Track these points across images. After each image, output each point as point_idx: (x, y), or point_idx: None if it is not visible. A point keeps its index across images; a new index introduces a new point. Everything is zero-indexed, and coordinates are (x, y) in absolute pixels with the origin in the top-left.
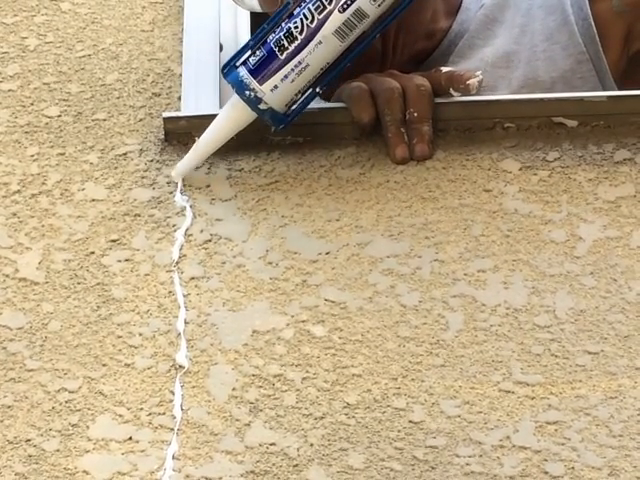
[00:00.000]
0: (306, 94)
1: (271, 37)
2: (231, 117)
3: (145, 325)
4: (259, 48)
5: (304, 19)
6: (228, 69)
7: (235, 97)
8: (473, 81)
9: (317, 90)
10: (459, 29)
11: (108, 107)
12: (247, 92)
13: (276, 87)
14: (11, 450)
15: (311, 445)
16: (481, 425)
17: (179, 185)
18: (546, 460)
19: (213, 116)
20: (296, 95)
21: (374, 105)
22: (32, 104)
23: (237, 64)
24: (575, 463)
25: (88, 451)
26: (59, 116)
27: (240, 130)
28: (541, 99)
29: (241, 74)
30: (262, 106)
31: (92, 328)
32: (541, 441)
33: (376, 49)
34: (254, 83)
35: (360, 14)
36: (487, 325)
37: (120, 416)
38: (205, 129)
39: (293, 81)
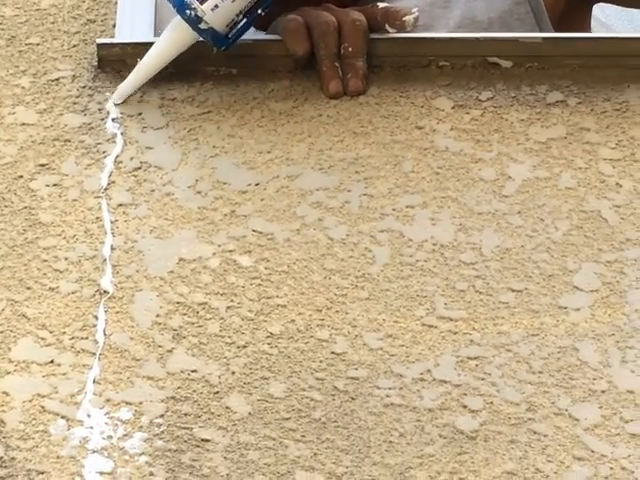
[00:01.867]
0: (248, 16)
1: None
2: (172, 38)
3: (71, 250)
4: None
5: None
6: None
7: (177, 18)
8: (409, 18)
9: (259, 12)
10: None
11: (42, 32)
12: (188, 11)
13: (217, 6)
14: None
15: (232, 373)
16: (403, 358)
17: (110, 112)
18: (465, 394)
19: (147, 44)
20: (237, 16)
21: (309, 39)
22: None
23: None
24: (494, 398)
25: (9, 372)
26: None
27: (181, 52)
28: (476, 39)
29: None
30: (202, 25)
31: (17, 251)
32: (461, 375)
33: None
34: (195, 2)
35: None
36: (413, 260)
37: (42, 339)
38: (139, 56)
39: (234, 1)
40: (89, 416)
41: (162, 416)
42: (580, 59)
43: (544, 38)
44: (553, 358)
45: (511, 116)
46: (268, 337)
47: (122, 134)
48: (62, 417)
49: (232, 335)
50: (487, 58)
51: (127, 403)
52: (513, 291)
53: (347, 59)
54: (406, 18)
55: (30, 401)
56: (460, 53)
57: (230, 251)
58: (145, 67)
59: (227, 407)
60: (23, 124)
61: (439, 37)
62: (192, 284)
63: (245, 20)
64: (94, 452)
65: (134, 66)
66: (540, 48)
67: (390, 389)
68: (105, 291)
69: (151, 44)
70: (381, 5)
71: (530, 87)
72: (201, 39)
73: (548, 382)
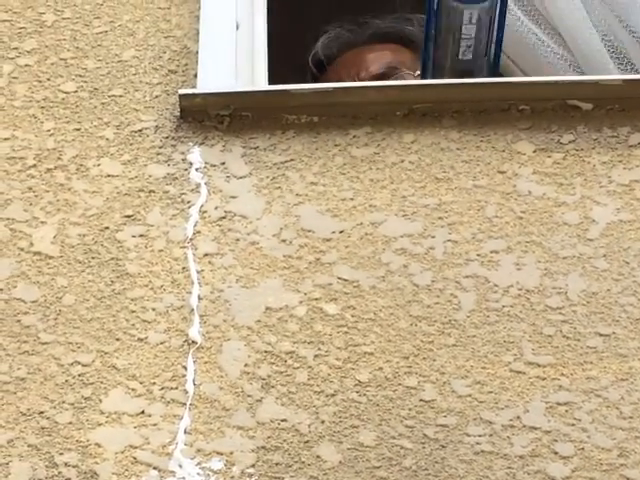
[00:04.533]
0: None
1: None
2: None
3: (159, 300)
4: None
5: None
6: None
7: None
8: None
9: None
10: None
11: (124, 83)
12: None
13: None
14: (24, 422)
15: (322, 422)
16: (492, 405)
17: (194, 162)
18: (556, 440)
19: (229, 94)
20: None
21: None
22: (49, 79)
23: None
24: (585, 444)
25: (101, 424)
26: (75, 92)
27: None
28: (555, 81)
29: None
30: None
31: (106, 302)
32: (551, 421)
33: None
34: None
35: None
36: (499, 306)
37: (133, 390)
38: (221, 107)
39: None
40: (181, 467)
41: (253, 466)
42: None
43: (624, 80)
44: None
45: (593, 159)
46: (356, 385)
47: (206, 184)
48: (154, 468)
49: (320, 384)
50: (567, 101)
51: (218, 453)
52: (601, 335)
53: None
54: None
55: (122, 452)
56: (540, 96)
57: (316, 299)
58: None
59: (318, 456)
60: (108, 175)
61: (518, 81)
62: (279, 333)
63: None
64: None
65: (216, 116)
66: (621, 90)
67: (480, 436)
68: (193, 341)
69: (233, 94)
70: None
71: (612, 129)
72: None
73: (639, 427)
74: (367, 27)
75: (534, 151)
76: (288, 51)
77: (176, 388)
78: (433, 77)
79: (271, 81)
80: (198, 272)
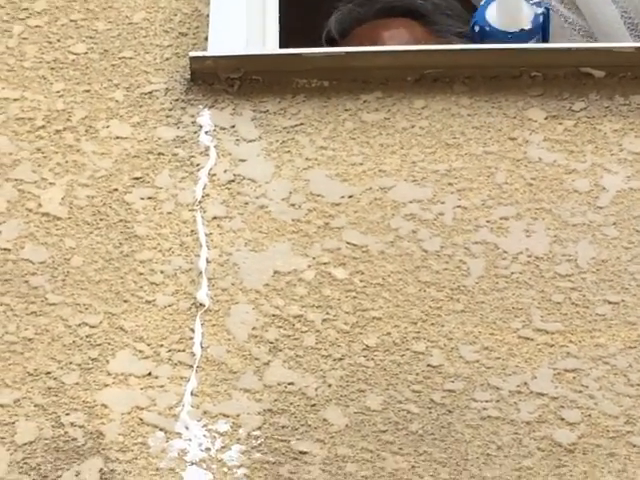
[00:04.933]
0: None
1: None
2: None
3: (167, 263)
4: None
5: None
6: None
7: None
8: None
9: None
10: None
11: (135, 45)
12: None
13: None
14: (31, 382)
15: (329, 386)
16: (499, 371)
17: (203, 125)
18: (563, 407)
19: (240, 57)
20: None
21: None
22: (59, 40)
23: None
24: (592, 411)
25: (107, 385)
26: (86, 53)
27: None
28: (569, 48)
29: None
30: None
31: (114, 264)
32: (559, 388)
33: None
34: None
35: None
36: (508, 272)
37: (140, 352)
38: (231, 70)
39: None
40: (187, 428)
41: (259, 428)
42: None
43: (638, 48)
44: None
45: (604, 126)
46: (364, 350)
47: (215, 147)
48: (160, 429)
49: (328, 348)
50: (580, 68)
51: (224, 415)
52: (610, 303)
53: None
54: None
55: (129, 413)
56: (552, 63)
57: (325, 264)
58: None
59: (324, 420)
60: (117, 137)
61: (531, 47)
62: (287, 297)
63: None
64: (192, 464)
65: (226, 79)
66: (634, 57)
67: (487, 402)
68: (201, 304)
69: (243, 57)
70: None
71: (624, 97)
72: None
73: None
74: (377, 1)
75: (545, 118)
76: (300, 14)
77: (183, 350)
78: None
79: (282, 44)
80: (207, 235)
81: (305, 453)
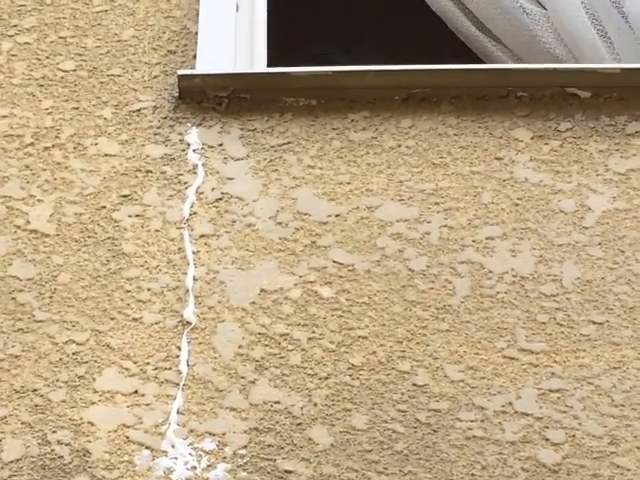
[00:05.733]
0: None
1: None
2: None
3: (154, 280)
4: None
5: None
6: None
7: None
8: None
9: None
10: None
11: (123, 63)
12: None
13: None
14: (18, 399)
15: (315, 405)
16: (484, 390)
17: (191, 143)
18: (547, 427)
19: (228, 75)
20: None
21: None
22: (48, 57)
23: None
24: (576, 431)
25: (94, 403)
26: (74, 70)
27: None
28: (554, 69)
29: None
30: None
31: (101, 282)
32: (543, 408)
33: None
34: None
35: None
36: (493, 292)
37: (126, 369)
38: (220, 88)
39: None
40: (173, 447)
41: (245, 447)
42: None
43: (623, 69)
44: (635, 391)
45: (590, 147)
46: (350, 369)
47: (203, 165)
48: (147, 447)
49: (314, 366)
50: (565, 89)
51: (210, 434)
52: (594, 323)
53: None
54: None
55: (115, 431)
56: (538, 84)
57: (311, 282)
58: None
59: (310, 439)
60: (106, 155)
61: (517, 67)
62: (274, 315)
63: None
64: None
65: (214, 97)
66: (619, 78)
67: (472, 422)
68: (188, 322)
69: (232, 75)
70: None
71: (609, 118)
72: None
73: (630, 415)
74: None
75: (531, 138)
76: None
77: (170, 368)
78: None
79: (270, 64)
80: (194, 253)
81: (291, 472)
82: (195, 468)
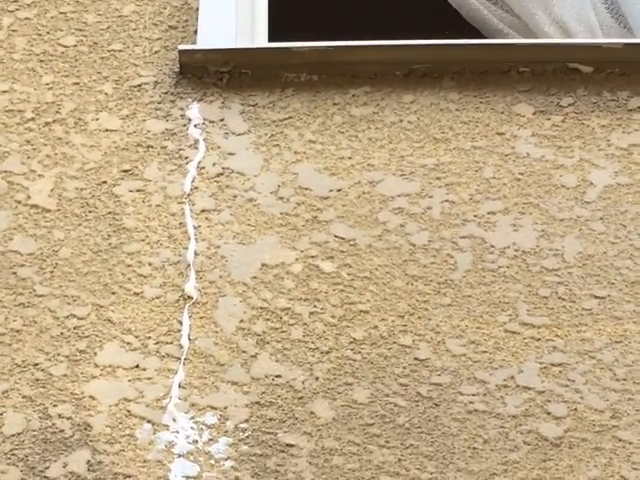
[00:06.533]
0: None
1: None
2: None
3: (155, 255)
4: None
5: None
6: None
7: None
8: None
9: None
10: None
11: (124, 38)
12: None
13: None
14: (19, 373)
15: (316, 379)
16: (486, 365)
17: (192, 118)
18: (549, 401)
19: (229, 50)
20: None
21: None
22: (48, 33)
23: None
24: (578, 405)
25: (95, 377)
26: (75, 45)
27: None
28: (557, 44)
29: None
30: None
31: (102, 256)
32: (545, 382)
33: None
34: None
35: None
36: (495, 266)
37: (128, 344)
38: (220, 63)
39: None
40: (174, 420)
41: (247, 421)
42: None
43: (626, 43)
44: (637, 365)
45: (592, 122)
46: (351, 343)
47: (204, 140)
48: (148, 421)
49: (315, 341)
50: (567, 64)
51: (212, 408)
52: (596, 298)
53: None
54: None
55: (116, 405)
56: (540, 59)
57: (312, 257)
58: None
59: (311, 412)
60: (106, 130)
61: (519, 43)
62: (275, 289)
63: None
64: (180, 456)
65: (215, 73)
66: (622, 53)
67: (474, 395)
68: (189, 296)
69: (233, 50)
70: None
71: (611, 93)
72: None
73: (632, 389)
74: None
75: (533, 113)
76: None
77: (171, 342)
78: None
79: (271, 39)
80: (195, 228)
81: (292, 446)
82: (196, 442)
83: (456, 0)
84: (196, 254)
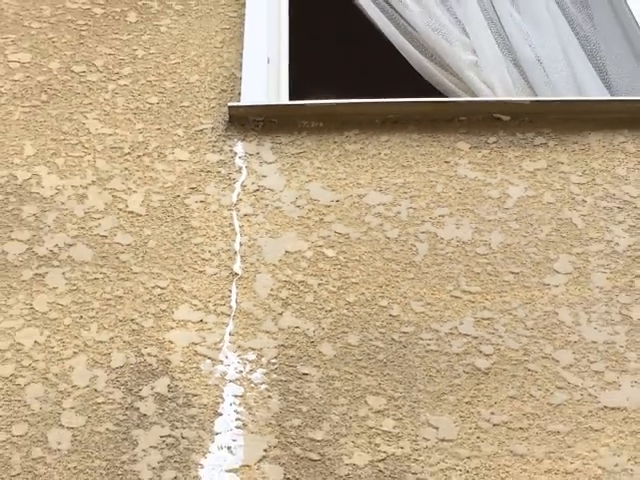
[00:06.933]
0: None
1: None
2: None
3: (213, 245)
4: None
5: None
6: None
7: None
8: None
9: None
10: None
11: (191, 98)
12: None
13: None
14: (121, 326)
15: (323, 329)
16: (438, 319)
17: (238, 152)
18: (481, 344)
19: (262, 106)
20: None
21: None
22: (139, 95)
23: None
24: (500, 346)
25: (172, 328)
26: (157, 103)
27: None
28: (485, 101)
29: None
30: None
31: (177, 246)
32: (478, 331)
33: None
34: None
35: None
36: (444, 252)
37: (195, 305)
38: (257, 114)
39: None
40: (227, 357)
41: (276, 357)
42: (557, 115)
43: (531, 100)
44: (540, 319)
45: (509, 154)
46: (346, 304)
47: (246, 167)
48: (209, 358)
49: (322, 303)
50: (492, 114)
51: (252, 349)
52: (512, 273)
53: None
54: None
55: (187, 347)
56: (473, 111)
57: (320, 246)
58: None
59: (320, 352)
60: (179, 160)
61: (459, 100)
62: (294, 268)
63: None
64: (230, 382)
65: (253, 121)
66: (528, 107)
67: (430, 340)
68: (236, 273)
69: (265, 106)
70: None
71: (522, 134)
72: None
73: (537, 335)
74: None
75: (469, 148)
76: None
77: (224, 304)
78: None
79: (292, 97)
80: (240, 227)
81: (307, 374)
82: (242, 372)
83: (419, 66)
84: (241, 244)
